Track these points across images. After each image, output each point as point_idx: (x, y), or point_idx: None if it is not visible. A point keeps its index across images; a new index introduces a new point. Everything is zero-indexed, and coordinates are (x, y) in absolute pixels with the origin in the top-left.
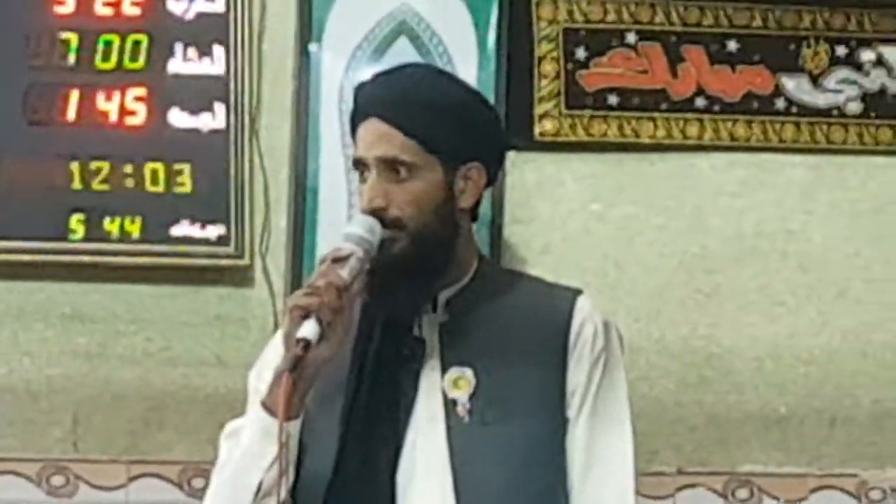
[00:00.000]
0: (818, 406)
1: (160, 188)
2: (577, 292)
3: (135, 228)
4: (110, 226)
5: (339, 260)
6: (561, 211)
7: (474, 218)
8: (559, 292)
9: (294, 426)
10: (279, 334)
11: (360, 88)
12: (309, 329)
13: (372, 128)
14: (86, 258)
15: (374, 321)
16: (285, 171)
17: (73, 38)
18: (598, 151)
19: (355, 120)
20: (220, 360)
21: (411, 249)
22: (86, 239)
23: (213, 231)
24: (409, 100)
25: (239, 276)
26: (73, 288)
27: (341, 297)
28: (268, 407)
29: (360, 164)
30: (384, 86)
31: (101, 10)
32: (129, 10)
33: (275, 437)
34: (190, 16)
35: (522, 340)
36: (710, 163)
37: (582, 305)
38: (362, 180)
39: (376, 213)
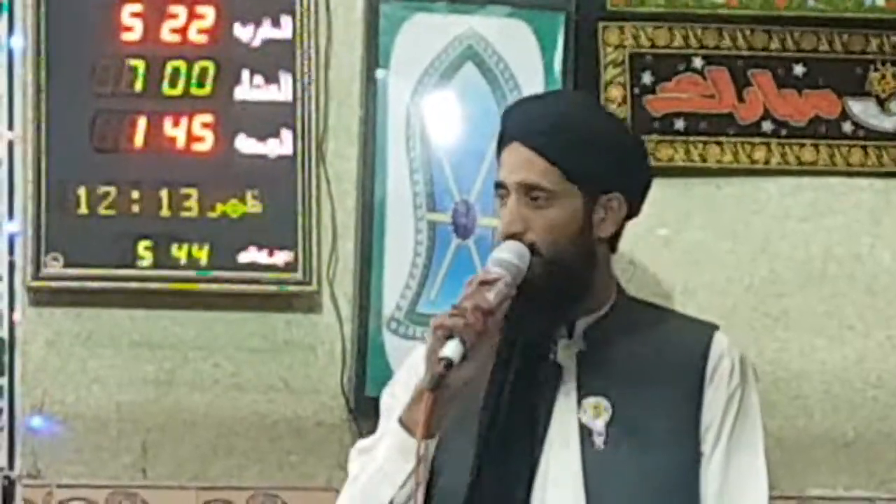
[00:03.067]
0: (887, 430)
1: (227, 214)
2: (714, 327)
3: (202, 255)
4: (178, 252)
5: (486, 283)
6: (628, 236)
7: (613, 249)
8: (697, 326)
9: (430, 445)
10: (416, 355)
11: (507, 112)
12: (452, 349)
13: (515, 152)
14: (154, 285)
15: (514, 345)
16: (352, 196)
17: (139, 64)
18: (665, 176)
19: (500, 144)
20: (289, 385)
21: (546, 276)
22: (154, 266)
23: (281, 257)
24: (554, 126)
25: (307, 302)
26: (141, 315)
27: (486, 320)
28: (405, 424)
29: (500, 188)
30: (529, 111)
31: (168, 36)
32: (196, 36)
33: (411, 454)
34: (256, 42)
35: (659, 373)
36: (778, 187)
37: (719, 340)
38: (502, 204)
39: (514, 237)
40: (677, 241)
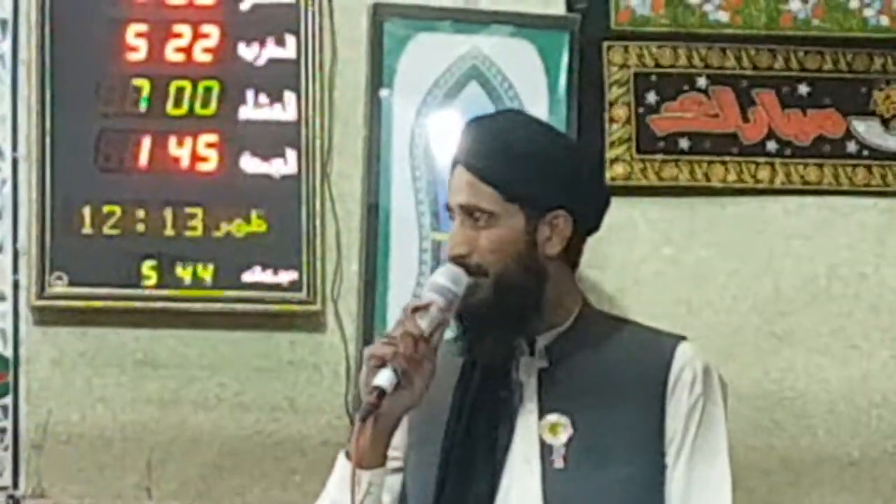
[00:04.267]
0: (891, 449)
1: (232, 234)
2: (680, 339)
3: (207, 274)
4: (182, 272)
5: (418, 309)
6: (633, 255)
7: (573, 265)
8: (662, 340)
9: (375, 475)
10: None
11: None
12: (384, 378)
13: (458, 176)
14: (158, 304)
15: (474, 365)
16: (357, 216)
17: (144, 84)
18: (669, 195)
19: (451, 168)
20: (293, 405)
21: (494, 296)
22: (158, 285)
23: (286, 276)
24: (493, 148)
25: (311, 322)
26: (145, 334)
27: (418, 347)
28: (349, 455)
29: (449, 211)
30: (473, 133)
31: (173, 56)
32: (201, 56)
33: (356, 485)
34: (261, 62)
35: (622, 388)
36: (782, 206)
37: (683, 351)
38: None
39: (458, 259)
40: (682, 261)
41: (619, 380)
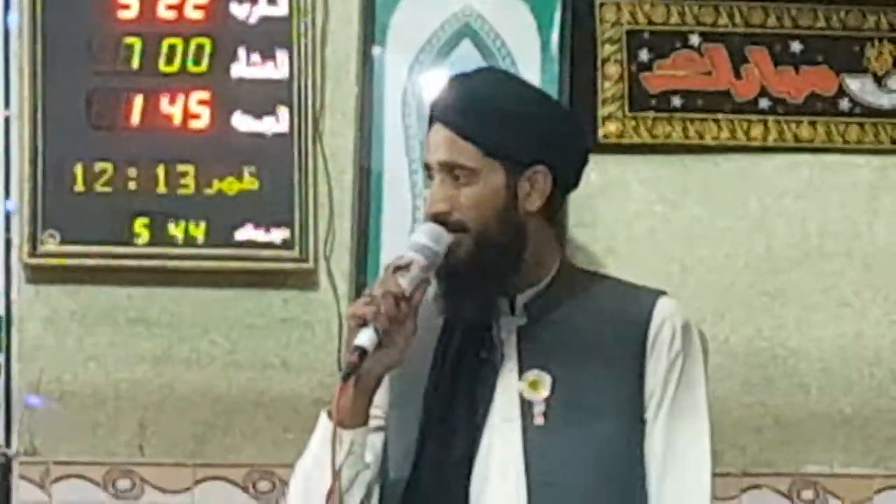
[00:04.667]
0: (884, 406)
1: (224, 192)
2: (660, 293)
3: (199, 232)
4: (175, 230)
5: (399, 268)
6: (625, 213)
7: (551, 222)
8: (641, 294)
9: (357, 433)
10: None
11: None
12: (365, 337)
13: (437, 133)
14: (150, 262)
15: (455, 323)
16: (349, 174)
17: (136, 42)
18: (661, 153)
19: (428, 125)
20: (285, 363)
21: (475, 253)
22: (150, 243)
23: (278, 235)
24: (472, 104)
25: (303, 280)
26: (137, 292)
27: (399, 306)
28: (331, 414)
29: (427, 169)
30: (450, 91)
31: (165, 13)
32: (193, 13)
33: (337, 444)
34: (253, 20)
35: (601, 344)
36: (775, 164)
37: (663, 306)
38: (431, 185)
39: (439, 217)
40: (674, 219)
41: (598, 336)
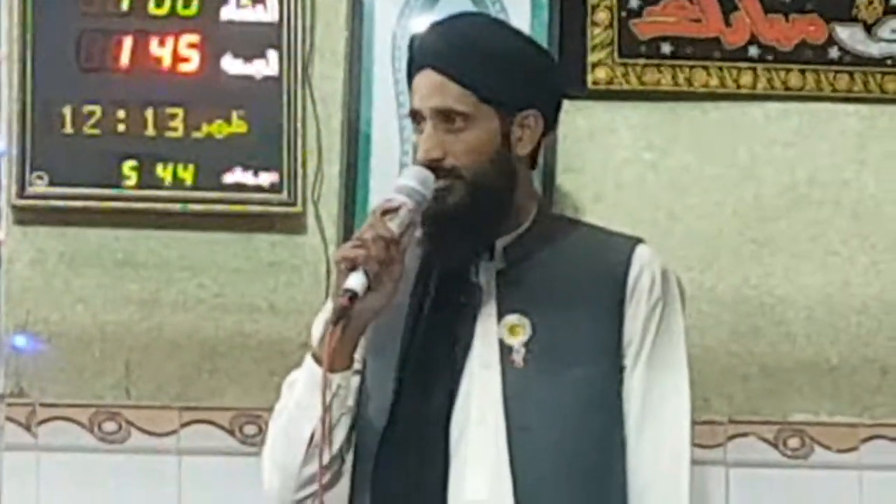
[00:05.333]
0: (870, 355)
1: (213, 135)
2: (637, 241)
3: (187, 175)
4: (163, 172)
5: (388, 212)
6: (613, 159)
7: (533, 166)
8: (618, 241)
9: (344, 377)
10: None
11: (415, 39)
12: (355, 281)
13: (427, 79)
14: (138, 205)
15: (432, 269)
16: (338, 118)
17: None
18: (651, 100)
19: (411, 71)
20: (273, 307)
21: (468, 198)
22: (138, 185)
23: (266, 178)
24: (464, 50)
25: (291, 223)
26: (125, 234)
27: (389, 249)
28: (318, 358)
29: (416, 116)
30: (439, 36)
31: None
32: None
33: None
34: None
35: (580, 288)
36: (764, 112)
37: (641, 254)
38: (418, 131)
39: (433, 163)
40: (663, 166)
41: (577, 281)
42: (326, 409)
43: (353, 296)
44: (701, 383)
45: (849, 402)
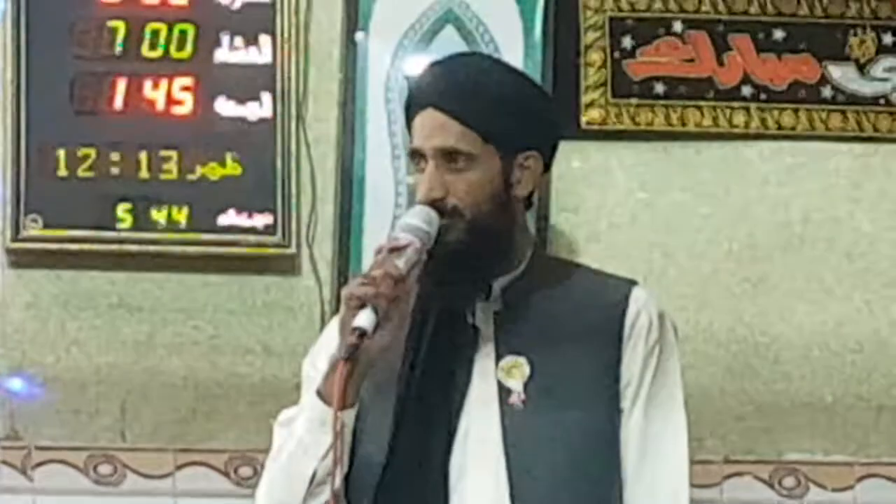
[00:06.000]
0: (865, 394)
1: (207, 177)
2: (633, 283)
3: (182, 217)
4: (157, 215)
5: (395, 250)
6: (607, 199)
7: (529, 207)
8: (614, 283)
9: (348, 415)
10: (333, 324)
11: (415, 78)
12: (365, 318)
13: (429, 118)
14: (133, 247)
15: (430, 309)
16: (332, 160)
17: (119, 26)
18: (644, 140)
19: (410, 110)
20: (267, 348)
21: (468, 238)
22: (133, 228)
23: (260, 220)
24: (467, 89)
25: (286, 265)
26: (120, 277)
27: (397, 287)
28: (322, 395)
29: (416, 155)
30: (440, 75)
31: None
32: None
33: (329, 426)
34: (236, 5)
35: (577, 330)
36: (757, 151)
37: (637, 296)
38: (419, 170)
39: (434, 203)
40: (657, 205)
41: (574, 323)
42: (335, 446)
43: (362, 333)
44: (696, 423)
45: (844, 441)
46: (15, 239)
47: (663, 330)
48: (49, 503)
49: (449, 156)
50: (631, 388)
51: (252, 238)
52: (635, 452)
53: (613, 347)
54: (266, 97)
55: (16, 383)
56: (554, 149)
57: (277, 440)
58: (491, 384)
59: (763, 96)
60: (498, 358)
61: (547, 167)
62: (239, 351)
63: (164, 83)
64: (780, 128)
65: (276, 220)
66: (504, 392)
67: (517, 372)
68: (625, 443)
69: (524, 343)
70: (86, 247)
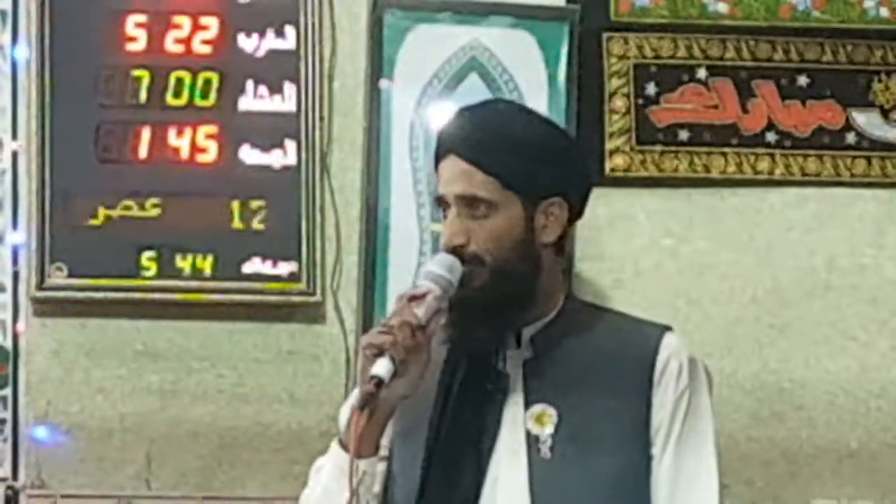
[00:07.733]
0: (890, 440)
1: (232, 225)
2: (665, 329)
3: (207, 265)
4: (182, 263)
5: (415, 298)
6: (632, 246)
7: (560, 253)
8: (646, 329)
9: (370, 463)
10: None
11: (442, 126)
12: (381, 367)
13: (451, 165)
14: (158, 295)
15: (460, 355)
16: (356, 207)
17: (144, 75)
18: (668, 187)
19: (437, 158)
20: (292, 396)
21: (491, 285)
22: (158, 276)
23: (285, 268)
24: (487, 136)
25: (310, 313)
26: (145, 325)
27: (415, 336)
28: (344, 444)
29: (441, 202)
30: (463, 123)
31: (173, 47)
32: (200, 47)
33: (354, 474)
34: (261, 53)
35: (607, 378)
36: (782, 198)
37: (668, 342)
38: (443, 217)
39: (457, 249)
40: (681, 252)
41: (604, 370)
42: (353, 494)
43: (379, 382)
44: (721, 469)
45: (869, 487)
46: (40, 288)
47: (693, 376)
48: None
49: (470, 203)
50: (661, 435)
51: (277, 286)
52: (665, 498)
53: (643, 393)
54: (290, 145)
55: (41, 432)
56: (584, 194)
57: (308, 487)
58: (520, 432)
59: (787, 143)
60: (527, 406)
61: (578, 213)
62: (264, 399)
63: (188, 131)
64: (804, 174)
65: (300, 268)
66: (532, 440)
67: (546, 420)
68: (656, 488)
69: (553, 391)
70: (110, 295)
